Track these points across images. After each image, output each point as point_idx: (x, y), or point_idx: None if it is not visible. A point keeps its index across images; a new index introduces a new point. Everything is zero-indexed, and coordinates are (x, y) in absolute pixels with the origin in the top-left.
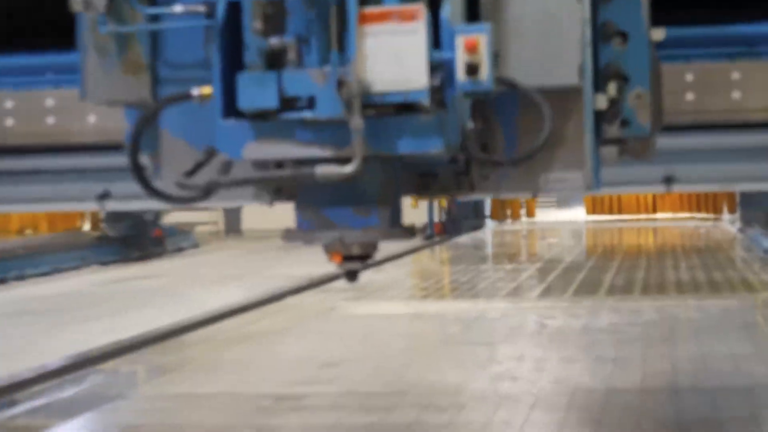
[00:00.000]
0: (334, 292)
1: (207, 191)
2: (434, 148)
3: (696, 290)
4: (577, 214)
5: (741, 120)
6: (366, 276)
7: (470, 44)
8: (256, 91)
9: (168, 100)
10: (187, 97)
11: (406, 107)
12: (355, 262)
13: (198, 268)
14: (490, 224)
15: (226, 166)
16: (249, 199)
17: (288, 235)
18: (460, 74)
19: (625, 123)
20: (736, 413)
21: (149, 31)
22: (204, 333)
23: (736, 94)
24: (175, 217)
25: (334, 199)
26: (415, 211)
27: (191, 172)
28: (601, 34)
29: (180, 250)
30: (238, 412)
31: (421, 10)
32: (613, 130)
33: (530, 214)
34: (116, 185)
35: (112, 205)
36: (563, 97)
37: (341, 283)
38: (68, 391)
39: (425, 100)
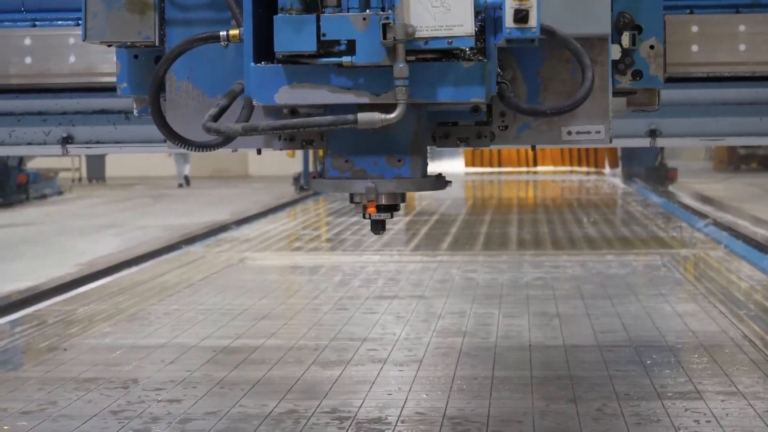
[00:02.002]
0: (232, 243)
1: (236, 137)
2: (476, 96)
3: (610, 246)
4: (455, 165)
5: (746, 72)
6: (258, 227)
7: None
8: (294, 34)
9: (193, 42)
10: (215, 38)
11: (446, 54)
12: (384, 212)
13: (66, 216)
14: None
15: (248, 111)
16: (260, 144)
17: (316, 184)
18: (509, 21)
19: (636, 74)
20: (703, 371)
21: None
22: (116, 282)
23: (741, 47)
24: (37, 162)
25: (365, 147)
26: (291, 160)
27: (216, 117)
28: None
29: (44, 197)
30: (193, 364)
31: None
32: (625, 81)
33: None
34: (79, 129)
35: (76, 150)
36: (587, 47)
37: (232, 233)
38: None
39: (471, 48)
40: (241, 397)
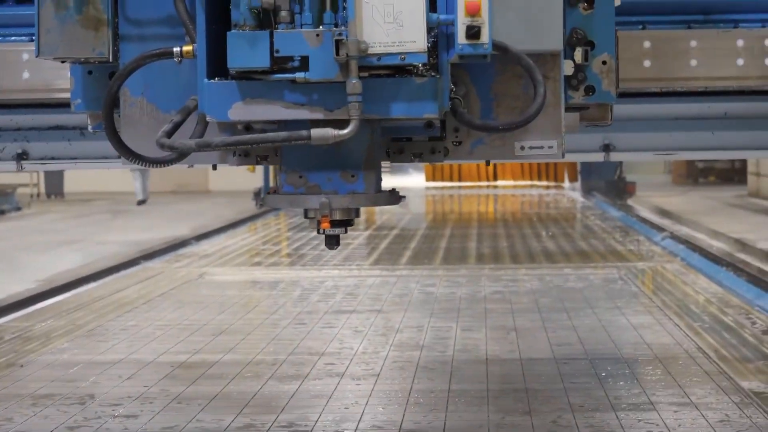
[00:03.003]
0: (191, 258)
1: (189, 153)
2: (429, 112)
3: (568, 260)
4: (416, 180)
5: (699, 87)
6: (218, 242)
7: (472, 7)
8: (247, 50)
9: (147, 58)
10: (168, 54)
11: (399, 70)
12: (338, 227)
13: (24, 232)
14: None
15: (202, 127)
16: (215, 160)
17: (270, 200)
18: (461, 37)
19: (589, 89)
20: (657, 383)
21: None
22: (73, 299)
23: (693, 62)
24: None
25: (319, 163)
26: (252, 175)
27: (170, 133)
28: None
29: (1, 213)
30: (147, 380)
31: None
32: (577, 97)
33: None
34: (34, 145)
35: (31, 166)
36: (540, 63)
37: (191, 248)
38: None
39: (423, 64)
40: (198, 412)
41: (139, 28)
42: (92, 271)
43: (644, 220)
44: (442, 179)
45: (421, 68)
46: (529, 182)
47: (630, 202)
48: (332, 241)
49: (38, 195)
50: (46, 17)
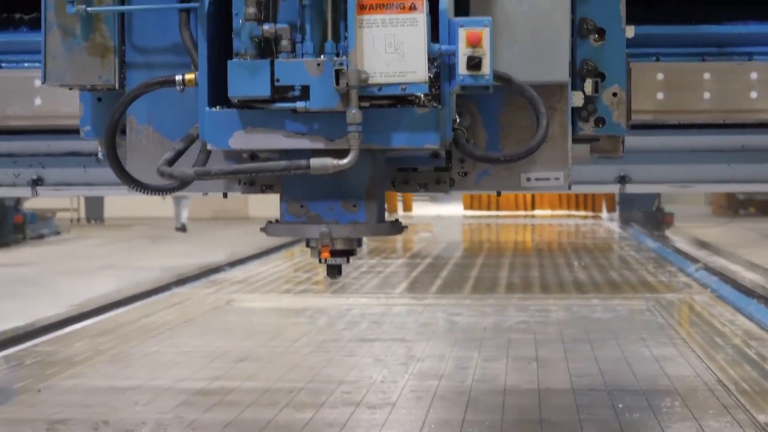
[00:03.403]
0: (222, 285)
1: (191, 181)
2: (431, 142)
3: (598, 290)
4: (455, 209)
5: (712, 121)
6: (251, 269)
7: (473, 38)
8: (248, 79)
9: (149, 86)
10: (170, 83)
11: (400, 100)
12: (340, 257)
13: (63, 256)
14: None
15: (205, 156)
16: (219, 188)
17: (271, 229)
18: (462, 68)
19: (599, 121)
20: (673, 415)
21: (118, 13)
22: (100, 324)
23: (706, 95)
24: (34, 202)
25: (320, 192)
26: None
27: (172, 161)
28: (578, 29)
29: (41, 237)
30: (164, 406)
31: (422, 1)
32: (587, 128)
33: (407, 208)
34: (49, 171)
35: (45, 192)
36: (547, 95)
37: (224, 274)
38: None
39: (425, 94)
40: None
41: (146, 56)
42: (123, 296)
43: (679, 251)
44: (480, 208)
45: (422, 98)
46: (566, 212)
47: (668, 232)
48: (334, 271)
49: (78, 220)
50: (52, 44)
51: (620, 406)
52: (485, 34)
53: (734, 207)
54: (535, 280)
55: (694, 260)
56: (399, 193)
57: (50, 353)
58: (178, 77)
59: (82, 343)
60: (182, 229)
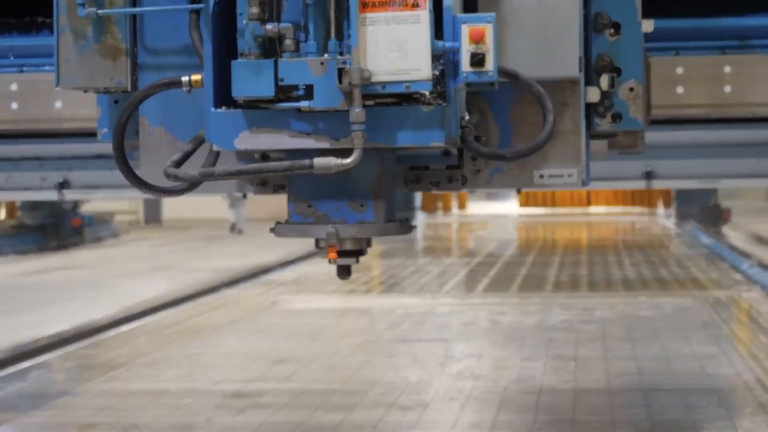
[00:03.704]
0: (270, 285)
1: (198, 183)
2: (436, 141)
3: (645, 288)
4: (510, 206)
5: (732, 115)
6: (301, 269)
7: (476, 34)
8: (252, 79)
9: (156, 87)
10: (177, 84)
11: (405, 98)
12: (348, 257)
13: (120, 258)
14: (420, 216)
15: (214, 156)
16: (231, 190)
17: (280, 229)
18: (465, 65)
19: (616, 116)
20: (708, 414)
21: (129, 15)
22: (145, 326)
23: (726, 88)
24: (93, 205)
25: (327, 191)
26: None
27: (179, 163)
28: (593, 24)
29: (99, 239)
30: (197, 409)
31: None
32: (604, 124)
33: (462, 206)
34: (76, 174)
35: (72, 195)
36: (558, 90)
37: (274, 275)
38: (13, 386)
39: (428, 91)
40: None
41: (158, 57)
42: (172, 298)
43: (733, 248)
44: (536, 205)
45: (427, 96)
46: (622, 209)
47: (725, 228)
48: (344, 272)
49: (137, 222)
50: (65, 47)
51: (654, 405)
52: (488, 30)
53: None
54: (582, 278)
55: (747, 256)
56: (453, 192)
57: (92, 356)
58: (185, 78)
59: (123, 345)
60: (237, 230)
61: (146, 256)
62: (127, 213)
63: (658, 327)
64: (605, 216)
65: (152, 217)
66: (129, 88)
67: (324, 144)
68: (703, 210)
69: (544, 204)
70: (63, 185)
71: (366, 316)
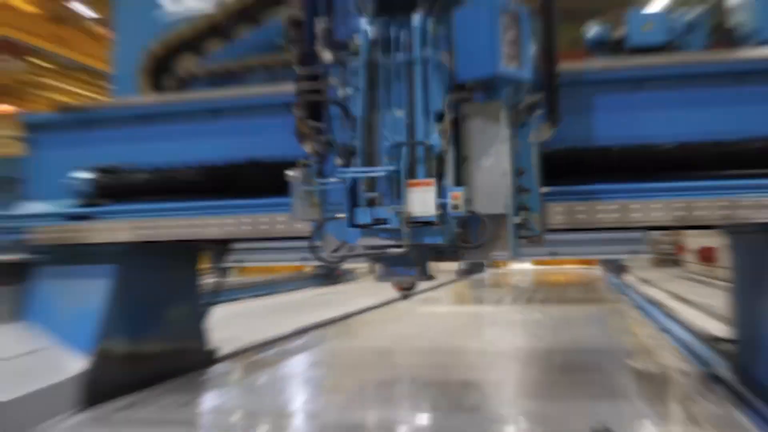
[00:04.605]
0: (412, 302)
1: (343, 259)
2: (440, 240)
3: (578, 302)
4: (527, 265)
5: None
6: (425, 294)
7: (456, 195)
8: (363, 216)
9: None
10: (334, 218)
11: (426, 223)
12: (407, 290)
13: (353, 290)
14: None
15: (348, 248)
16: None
17: (379, 277)
18: (451, 208)
19: (528, 228)
20: (597, 363)
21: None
22: (358, 319)
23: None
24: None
25: (396, 262)
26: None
27: (336, 250)
28: (518, 188)
29: (348, 280)
30: (370, 354)
31: (433, 182)
32: (524, 232)
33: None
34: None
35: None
36: (499, 218)
37: (415, 298)
38: (296, 342)
39: (435, 220)
40: None
41: (332, 207)
42: (370, 306)
43: (626, 284)
44: (540, 264)
45: (436, 222)
46: (579, 266)
47: (625, 275)
48: (406, 296)
49: (367, 272)
50: (297, 201)
51: (574, 356)
52: (461, 194)
53: (660, 262)
54: (552, 298)
55: (630, 287)
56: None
57: (332, 332)
58: (339, 215)
59: (346, 327)
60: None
61: (365, 287)
62: (363, 268)
63: (580, 320)
64: (571, 269)
65: (373, 270)
66: None
67: (393, 243)
68: (615, 266)
69: (541, 263)
70: (304, 258)
71: (465, 315)
